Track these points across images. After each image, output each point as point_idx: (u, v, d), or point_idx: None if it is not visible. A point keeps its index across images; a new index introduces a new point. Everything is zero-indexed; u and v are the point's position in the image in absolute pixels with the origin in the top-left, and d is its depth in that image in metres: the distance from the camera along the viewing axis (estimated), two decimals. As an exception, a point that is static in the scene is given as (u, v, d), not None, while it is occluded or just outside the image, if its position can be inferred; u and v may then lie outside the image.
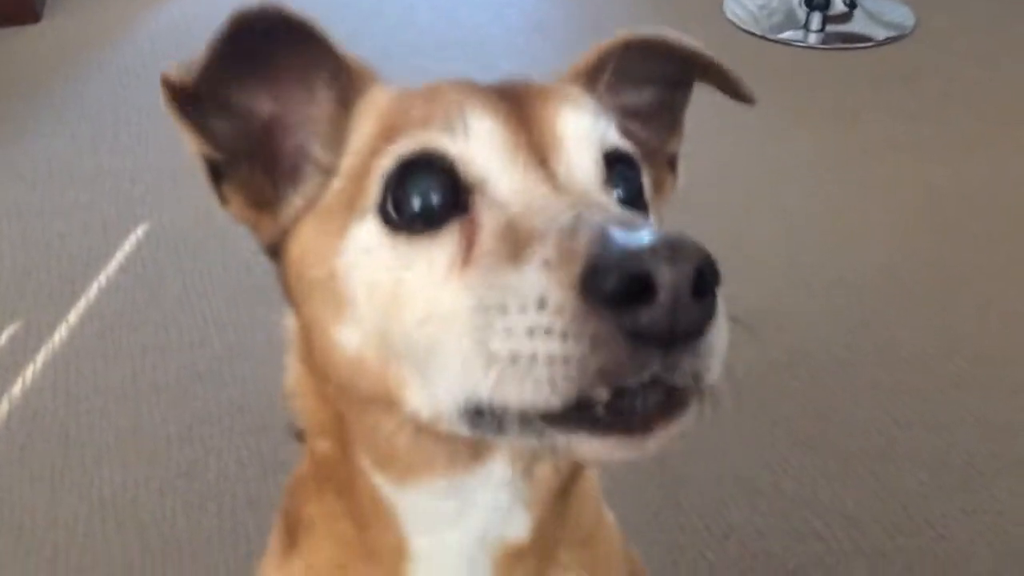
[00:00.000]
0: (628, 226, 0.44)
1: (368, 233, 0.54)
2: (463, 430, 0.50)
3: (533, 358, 0.44)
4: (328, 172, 0.59)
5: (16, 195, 2.16)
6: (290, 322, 0.64)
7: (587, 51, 0.67)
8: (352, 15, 2.88)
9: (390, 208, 0.53)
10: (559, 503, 0.62)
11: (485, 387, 0.46)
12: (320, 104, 0.61)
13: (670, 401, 0.45)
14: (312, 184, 0.60)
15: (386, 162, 0.54)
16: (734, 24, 2.82)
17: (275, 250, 0.61)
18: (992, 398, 1.62)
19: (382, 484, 0.60)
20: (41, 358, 1.73)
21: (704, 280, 0.43)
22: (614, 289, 0.42)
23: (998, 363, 1.69)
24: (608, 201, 0.54)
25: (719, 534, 1.40)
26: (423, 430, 0.54)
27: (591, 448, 0.46)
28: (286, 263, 0.60)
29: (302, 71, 0.60)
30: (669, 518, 1.41)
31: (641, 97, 0.71)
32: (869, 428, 1.57)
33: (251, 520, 1.43)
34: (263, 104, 0.60)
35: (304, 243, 0.59)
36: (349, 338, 0.55)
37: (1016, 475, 1.49)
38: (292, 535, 0.69)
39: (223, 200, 0.61)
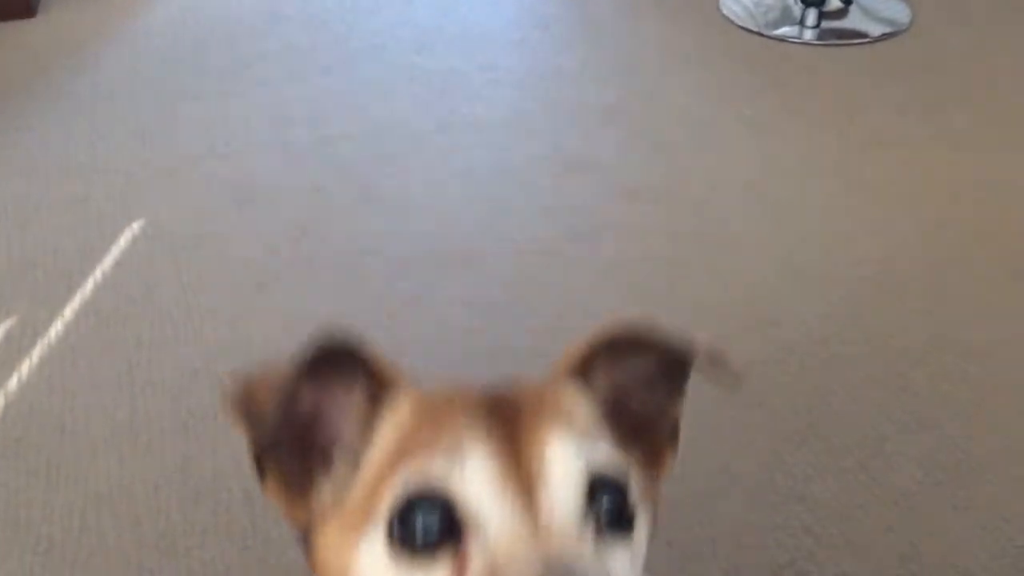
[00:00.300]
0: None
1: (376, 546, 0.62)
2: None
3: None
4: (356, 462, 0.66)
5: (11, 190, 2.16)
6: None
7: (577, 341, 0.71)
8: (350, 11, 2.87)
9: (396, 529, 0.61)
10: None
11: None
12: (354, 401, 0.68)
13: None
14: (341, 474, 0.67)
15: (395, 488, 0.61)
16: (730, 20, 2.82)
17: (306, 537, 0.69)
18: (984, 394, 1.63)
19: None
20: (37, 353, 1.74)
21: None
22: None
23: (990, 359, 1.70)
24: (583, 555, 0.60)
25: (711, 528, 1.41)
26: None
27: None
28: (313, 551, 0.68)
29: (344, 375, 0.67)
30: (660, 512, 1.42)
31: (642, 365, 0.73)
32: (861, 423, 1.58)
33: (246, 515, 1.43)
34: (306, 402, 0.67)
35: (329, 540, 0.66)
36: None
37: (1008, 471, 1.50)
38: None
39: (263, 482, 0.68)
